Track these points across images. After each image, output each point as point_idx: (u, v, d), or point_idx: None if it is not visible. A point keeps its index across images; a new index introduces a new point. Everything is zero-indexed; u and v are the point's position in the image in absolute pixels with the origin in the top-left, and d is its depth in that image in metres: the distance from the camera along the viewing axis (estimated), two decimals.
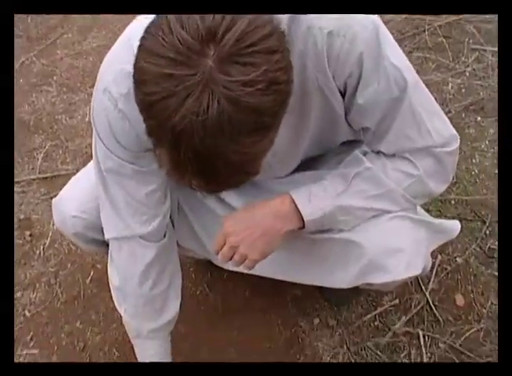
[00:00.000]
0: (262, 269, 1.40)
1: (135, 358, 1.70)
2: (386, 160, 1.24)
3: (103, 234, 1.37)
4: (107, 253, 1.43)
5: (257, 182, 1.38)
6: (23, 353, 1.78)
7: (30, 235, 2.10)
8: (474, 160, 2.19)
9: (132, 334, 1.48)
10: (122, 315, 1.45)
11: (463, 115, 2.30)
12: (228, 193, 1.40)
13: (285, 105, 0.89)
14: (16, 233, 2.10)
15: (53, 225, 2.11)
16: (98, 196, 1.32)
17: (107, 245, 1.41)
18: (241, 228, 1.22)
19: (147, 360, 1.49)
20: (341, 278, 1.34)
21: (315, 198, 1.22)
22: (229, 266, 1.39)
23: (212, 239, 1.30)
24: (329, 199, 1.22)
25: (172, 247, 1.47)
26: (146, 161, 1.23)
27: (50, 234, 2.09)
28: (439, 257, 1.92)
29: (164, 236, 1.39)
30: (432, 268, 1.89)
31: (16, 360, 1.74)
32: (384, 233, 1.27)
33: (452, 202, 2.08)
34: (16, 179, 2.28)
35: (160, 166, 0.98)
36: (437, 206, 2.05)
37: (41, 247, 2.06)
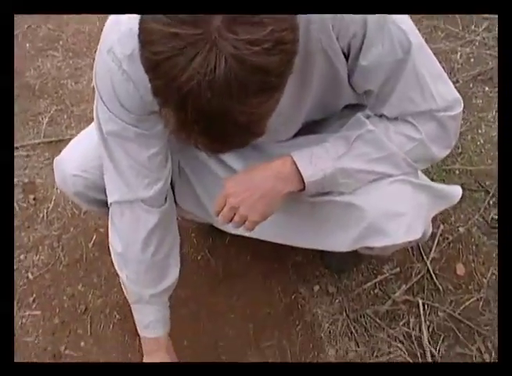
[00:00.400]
0: (262, 232, 1.40)
1: (134, 321, 1.72)
2: (388, 124, 1.23)
3: (104, 194, 1.38)
4: (107, 214, 1.43)
5: (259, 145, 1.37)
6: (26, 314, 1.79)
7: (34, 199, 2.10)
8: (479, 131, 2.18)
9: (132, 299, 1.49)
10: (123, 280, 1.46)
11: (471, 85, 2.28)
12: (230, 156, 1.40)
13: (291, 65, 0.89)
14: (20, 196, 2.11)
15: (57, 189, 2.12)
16: (101, 158, 1.32)
17: (107, 206, 1.41)
18: (241, 189, 1.22)
19: (146, 327, 1.50)
20: (341, 241, 1.34)
21: (316, 160, 1.21)
22: (230, 228, 1.39)
23: (213, 201, 1.30)
24: (330, 161, 1.21)
25: (172, 214, 1.47)
26: (149, 124, 1.23)
27: (54, 198, 2.09)
28: (441, 226, 1.92)
29: (165, 201, 1.40)
30: (434, 237, 1.89)
31: (17, 321, 1.77)
32: (384, 196, 1.26)
33: (457, 172, 2.07)
34: (20, 143, 2.28)
35: (166, 126, 0.97)
36: (441, 176, 2.04)
37: (45, 211, 2.06)
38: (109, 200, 1.35)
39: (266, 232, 1.41)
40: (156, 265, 1.43)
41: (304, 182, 1.22)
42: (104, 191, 1.37)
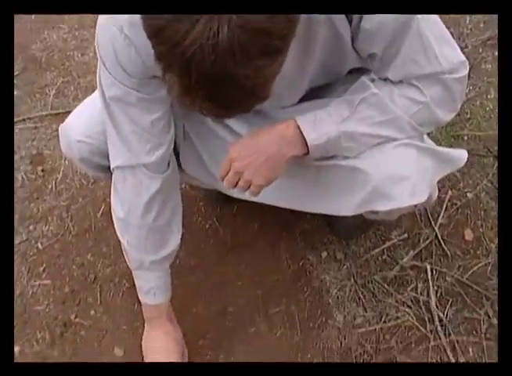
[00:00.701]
0: (267, 197, 1.40)
1: None
2: (393, 87, 1.22)
3: (109, 160, 1.38)
4: None
5: (263, 110, 1.37)
6: (36, 284, 1.81)
7: (43, 170, 2.11)
8: (489, 96, 2.16)
9: (133, 265, 1.50)
10: (124, 246, 1.47)
11: (480, 50, 2.25)
12: (235, 122, 1.40)
13: (294, 28, 0.88)
14: (28, 168, 2.12)
15: (65, 160, 2.13)
16: (104, 123, 1.32)
17: None
18: (246, 153, 1.22)
19: (146, 294, 1.51)
20: (346, 205, 1.33)
21: (319, 123, 1.21)
22: (235, 193, 1.39)
23: (218, 166, 1.30)
24: (334, 124, 1.21)
25: (175, 181, 1.47)
26: (151, 89, 1.23)
27: (62, 169, 2.10)
28: (450, 192, 1.91)
29: (168, 167, 1.40)
30: (442, 203, 1.89)
31: (28, 291, 1.79)
32: (389, 160, 1.25)
33: (465, 138, 2.06)
34: (28, 115, 2.28)
35: (170, 91, 0.97)
36: (449, 141, 2.03)
37: (53, 182, 2.07)
38: (112, 166, 1.35)
39: (271, 196, 1.41)
40: (158, 231, 1.43)
41: (307, 146, 1.21)
42: (108, 157, 1.38)
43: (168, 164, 1.40)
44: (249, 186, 1.24)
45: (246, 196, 1.30)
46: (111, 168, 1.36)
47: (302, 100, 1.37)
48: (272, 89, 0.96)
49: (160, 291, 1.50)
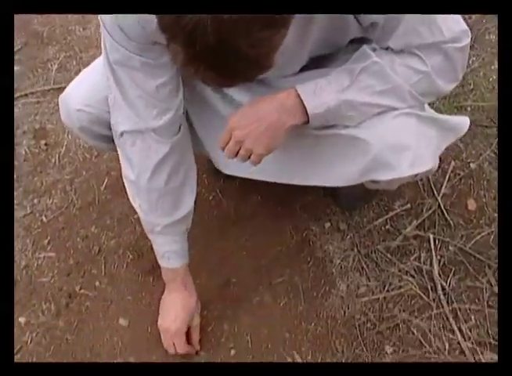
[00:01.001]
0: (268, 173, 1.41)
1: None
2: (394, 56, 1.22)
3: (109, 129, 1.39)
4: (114, 150, 1.45)
5: (265, 80, 1.37)
6: (41, 256, 1.82)
7: (46, 144, 2.11)
8: (492, 67, 2.15)
9: (147, 228, 1.51)
10: (137, 210, 1.48)
11: (484, 20, 2.24)
12: (237, 91, 1.39)
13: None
14: (31, 142, 2.12)
15: (68, 134, 2.13)
16: (109, 90, 1.32)
17: (113, 141, 1.42)
18: (246, 122, 1.22)
19: (162, 257, 1.53)
20: (346, 175, 1.33)
21: (320, 92, 1.21)
22: (234, 170, 1.40)
23: (214, 139, 1.30)
24: (334, 93, 1.21)
25: (187, 144, 1.47)
26: (154, 54, 1.23)
27: (65, 143, 2.10)
28: (453, 163, 1.91)
29: (179, 131, 1.40)
30: (445, 173, 1.89)
31: (33, 263, 1.80)
32: (389, 129, 1.25)
33: (468, 109, 2.06)
34: (30, 90, 2.28)
35: (173, 60, 0.98)
36: (452, 112, 2.03)
37: (57, 156, 2.07)
38: (120, 130, 1.35)
39: (272, 171, 1.42)
40: (170, 194, 1.44)
41: (307, 115, 1.21)
42: (108, 126, 1.38)
43: (179, 127, 1.40)
44: (249, 156, 1.24)
45: (244, 172, 1.30)
46: (119, 133, 1.36)
47: (304, 70, 1.37)
48: (275, 59, 0.97)
49: (176, 255, 1.52)
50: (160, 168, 1.38)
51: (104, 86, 1.33)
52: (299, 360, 1.57)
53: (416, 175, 1.30)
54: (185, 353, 1.57)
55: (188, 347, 1.56)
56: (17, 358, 1.61)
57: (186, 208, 1.49)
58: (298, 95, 1.21)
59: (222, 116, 1.40)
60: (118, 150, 1.41)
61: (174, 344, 1.55)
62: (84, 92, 1.41)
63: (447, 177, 1.88)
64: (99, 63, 1.40)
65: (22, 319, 1.69)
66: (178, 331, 1.54)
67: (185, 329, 1.55)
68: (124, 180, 1.46)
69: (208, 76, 0.96)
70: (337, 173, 1.35)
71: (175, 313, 1.54)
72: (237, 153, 1.24)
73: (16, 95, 2.28)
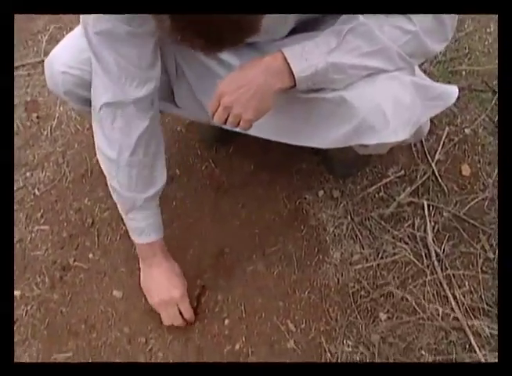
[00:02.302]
0: (258, 130, 1.39)
1: None
2: (382, 16, 1.20)
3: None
4: None
5: (256, 44, 1.35)
6: (34, 229, 1.82)
7: (37, 117, 2.10)
8: (488, 30, 2.11)
9: (126, 207, 1.51)
10: (115, 188, 1.48)
11: None
12: (231, 55, 1.37)
13: None
14: (23, 115, 2.11)
15: (60, 106, 2.12)
16: (90, 62, 1.31)
17: None
18: (234, 87, 1.20)
19: (140, 234, 1.54)
20: (333, 137, 1.31)
21: (307, 55, 1.19)
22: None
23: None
24: (321, 56, 1.19)
25: (158, 118, 1.47)
26: (138, 22, 1.21)
27: (57, 115, 2.09)
28: (447, 128, 1.90)
29: (153, 105, 1.39)
30: (439, 139, 1.88)
31: (27, 236, 1.80)
32: (376, 93, 1.23)
33: (463, 73, 2.03)
34: (20, 62, 2.26)
35: (160, 28, 0.97)
36: (447, 77, 2.00)
37: (49, 128, 2.06)
38: (100, 103, 1.34)
39: (261, 130, 1.40)
40: (147, 167, 1.45)
41: (294, 78, 1.19)
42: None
43: (152, 101, 1.39)
44: (239, 122, 1.23)
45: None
46: (98, 106, 1.35)
47: (293, 33, 1.34)
48: (262, 24, 0.96)
49: (154, 228, 1.53)
50: (139, 143, 1.39)
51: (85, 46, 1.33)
52: (293, 329, 1.57)
53: (403, 141, 1.29)
54: (189, 321, 1.59)
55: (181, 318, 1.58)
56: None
57: (161, 182, 1.50)
58: (285, 59, 1.19)
59: (216, 75, 1.39)
60: (96, 127, 1.41)
61: (180, 312, 1.57)
62: (67, 53, 1.40)
63: (441, 143, 1.86)
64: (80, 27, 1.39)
65: (17, 293, 1.69)
66: (184, 296, 1.56)
67: (186, 292, 1.57)
68: (101, 158, 1.45)
69: (196, 42, 0.95)
70: (324, 135, 1.33)
71: (171, 283, 1.56)
72: (226, 119, 1.23)
73: None
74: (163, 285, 1.56)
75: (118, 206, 1.54)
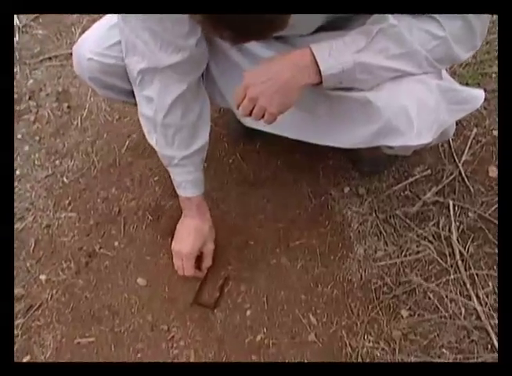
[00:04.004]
0: (282, 128, 1.40)
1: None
2: (412, 19, 1.20)
3: (119, 79, 1.43)
4: (123, 101, 1.53)
5: (284, 38, 1.36)
6: (62, 216, 1.84)
7: (68, 107, 2.13)
8: None
9: (165, 162, 1.56)
10: (153, 146, 1.52)
11: None
12: (257, 46, 1.39)
13: None
14: (54, 105, 2.14)
15: (90, 97, 2.15)
16: (121, 34, 1.33)
17: (123, 92, 1.48)
18: (260, 80, 1.21)
19: (178, 187, 1.59)
20: (358, 138, 1.32)
21: (335, 53, 1.19)
22: (252, 123, 1.39)
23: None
24: (349, 54, 1.19)
25: (200, 83, 1.49)
26: None
27: (87, 106, 2.12)
28: (475, 129, 1.89)
29: (193, 70, 1.42)
30: (467, 140, 1.87)
31: (54, 222, 1.83)
32: (402, 96, 1.25)
33: (493, 75, 2.02)
34: (54, 53, 2.31)
35: (192, 17, 0.99)
36: (476, 79, 2.00)
37: (79, 118, 2.09)
38: (137, 69, 1.36)
39: (287, 127, 1.41)
40: (185, 128, 1.48)
41: (321, 75, 1.20)
42: (117, 75, 1.42)
43: (192, 66, 1.41)
44: (263, 115, 1.24)
45: (262, 125, 1.30)
46: (136, 72, 1.37)
47: (321, 30, 1.35)
48: (291, 19, 0.98)
49: (191, 185, 1.58)
50: (176, 104, 1.42)
51: (113, 33, 1.36)
52: (314, 322, 1.57)
53: (428, 143, 1.29)
54: (193, 276, 1.62)
55: (196, 271, 1.62)
56: (37, 314, 1.65)
57: (202, 141, 1.53)
58: (313, 55, 1.20)
59: (243, 70, 1.40)
60: (136, 91, 1.44)
61: (182, 267, 1.61)
62: (94, 41, 1.44)
63: (469, 143, 1.86)
64: (108, 14, 1.43)
65: (43, 277, 1.71)
66: (189, 255, 1.59)
67: (195, 254, 1.60)
68: (141, 118, 1.49)
69: (225, 34, 0.97)
70: (347, 135, 1.34)
71: (187, 238, 1.60)
72: (252, 111, 1.25)
73: (39, 58, 2.30)
74: (182, 237, 1.62)
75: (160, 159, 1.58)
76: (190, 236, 1.60)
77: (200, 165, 1.57)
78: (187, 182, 1.56)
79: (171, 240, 1.68)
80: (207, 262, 1.64)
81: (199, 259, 1.63)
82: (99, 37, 1.43)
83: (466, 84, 1.95)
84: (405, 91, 1.25)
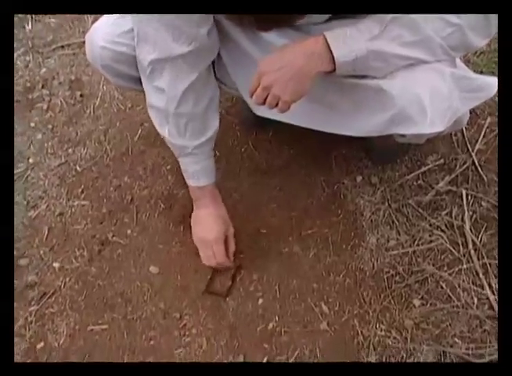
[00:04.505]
0: (295, 117, 1.40)
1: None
2: None
3: (131, 67, 1.43)
4: (135, 89, 1.52)
5: (297, 25, 1.35)
6: (75, 204, 1.85)
7: (81, 95, 2.14)
8: None
9: (176, 152, 1.56)
10: (165, 137, 1.51)
11: None
12: (270, 33, 1.38)
13: None
14: (67, 93, 2.15)
15: (103, 85, 2.15)
16: (133, 24, 1.33)
17: (135, 81, 1.47)
18: (274, 68, 1.21)
19: (190, 178, 1.58)
20: (371, 126, 1.32)
21: (348, 40, 1.19)
22: (265, 112, 1.39)
23: (247, 82, 1.30)
24: (362, 42, 1.19)
25: (210, 71, 1.49)
26: None
27: (100, 94, 2.12)
28: (489, 118, 1.88)
29: (203, 57, 1.41)
30: (480, 129, 1.86)
31: (67, 210, 1.84)
32: (415, 84, 1.24)
33: None
34: (67, 42, 2.31)
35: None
36: (491, 67, 1.99)
37: (92, 107, 2.09)
38: (148, 60, 1.36)
39: (301, 116, 1.41)
40: (197, 117, 1.47)
41: (335, 63, 1.20)
42: (129, 63, 1.42)
43: (202, 55, 1.40)
44: (277, 103, 1.24)
45: (275, 114, 1.30)
46: (146, 62, 1.37)
47: (335, 18, 1.35)
48: None
49: (203, 174, 1.57)
50: (187, 94, 1.41)
51: (125, 21, 1.37)
52: (326, 311, 1.58)
53: (441, 131, 1.28)
54: (223, 264, 1.61)
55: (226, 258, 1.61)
56: (51, 301, 1.66)
57: (213, 129, 1.53)
58: (326, 42, 1.19)
59: (255, 59, 1.40)
60: (145, 82, 1.43)
61: (213, 254, 1.59)
62: (106, 28, 1.44)
63: (482, 132, 1.85)
64: None
65: (56, 265, 1.72)
66: (218, 239, 1.58)
67: (223, 237, 1.59)
68: (151, 110, 1.49)
69: (245, 19, 0.97)
70: (360, 123, 1.34)
71: (210, 225, 1.59)
72: (265, 99, 1.24)
73: (52, 46, 2.31)
74: (203, 226, 1.61)
75: (172, 149, 1.58)
76: (211, 222, 1.59)
77: (211, 152, 1.57)
78: (199, 172, 1.56)
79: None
80: (231, 246, 1.63)
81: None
82: (111, 25, 1.43)
83: (481, 73, 1.93)
84: (418, 79, 1.24)
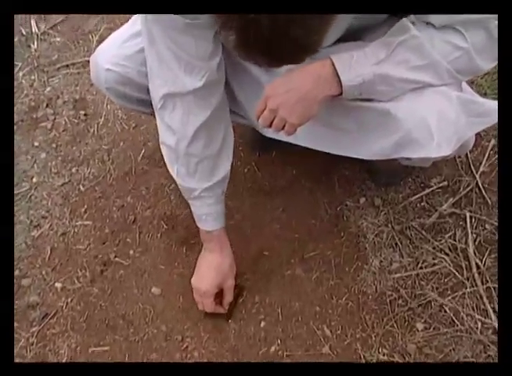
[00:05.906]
0: (301, 139, 1.40)
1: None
2: (434, 31, 1.20)
3: (136, 90, 1.43)
4: (138, 110, 1.54)
5: None
6: (78, 224, 1.85)
7: (85, 114, 2.14)
8: None
9: (185, 194, 1.54)
10: (174, 177, 1.50)
11: None
12: None
13: None
14: (71, 112, 2.15)
15: (107, 105, 2.16)
16: (147, 57, 1.33)
17: (138, 102, 1.48)
18: (281, 91, 1.22)
19: (199, 221, 1.56)
20: (378, 149, 1.32)
21: (355, 64, 1.19)
22: (270, 133, 1.39)
23: (254, 106, 1.30)
24: (369, 66, 1.19)
25: (225, 109, 1.48)
26: (194, 15, 1.21)
27: (104, 114, 2.13)
28: (493, 140, 1.87)
29: (218, 95, 1.41)
30: (484, 151, 1.86)
31: (70, 230, 1.84)
32: (421, 108, 1.24)
33: None
34: (71, 61, 2.32)
35: (225, 43, 1.00)
36: (495, 88, 1.97)
37: (95, 126, 2.10)
38: (160, 94, 1.36)
39: (305, 138, 1.41)
40: (208, 159, 1.46)
41: (341, 86, 1.20)
42: (135, 86, 1.43)
43: (218, 92, 1.40)
44: (283, 126, 1.24)
45: (281, 135, 1.30)
46: (158, 97, 1.37)
47: (341, 41, 1.35)
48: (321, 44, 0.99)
49: (212, 218, 1.54)
50: (199, 133, 1.40)
51: (131, 43, 1.38)
52: (328, 334, 1.57)
53: (447, 155, 1.28)
54: (213, 312, 1.60)
55: (216, 307, 1.59)
56: (53, 322, 1.66)
57: (223, 172, 1.51)
58: (333, 66, 1.20)
59: (262, 83, 1.40)
60: (157, 117, 1.43)
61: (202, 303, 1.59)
62: (112, 50, 1.45)
63: (486, 155, 1.84)
64: (128, 24, 1.43)
65: (58, 285, 1.72)
66: (207, 292, 1.56)
67: (214, 290, 1.57)
68: (162, 147, 1.47)
69: (259, 59, 0.98)
70: (367, 146, 1.34)
71: (207, 274, 1.57)
72: (272, 122, 1.25)
73: (57, 65, 2.32)
74: (200, 274, 1.59)
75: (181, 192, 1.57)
76: (209, 272, 1.57)
77: (221, 197, 1.54)
78: (207, 216, 1.53)
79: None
80: (227, 298, 1.60)
81: (219, 295, 1.60)
82: (117, 48, 1.44)
83: (485, 94, 1.93)
84: (425, 102, 1.24)
